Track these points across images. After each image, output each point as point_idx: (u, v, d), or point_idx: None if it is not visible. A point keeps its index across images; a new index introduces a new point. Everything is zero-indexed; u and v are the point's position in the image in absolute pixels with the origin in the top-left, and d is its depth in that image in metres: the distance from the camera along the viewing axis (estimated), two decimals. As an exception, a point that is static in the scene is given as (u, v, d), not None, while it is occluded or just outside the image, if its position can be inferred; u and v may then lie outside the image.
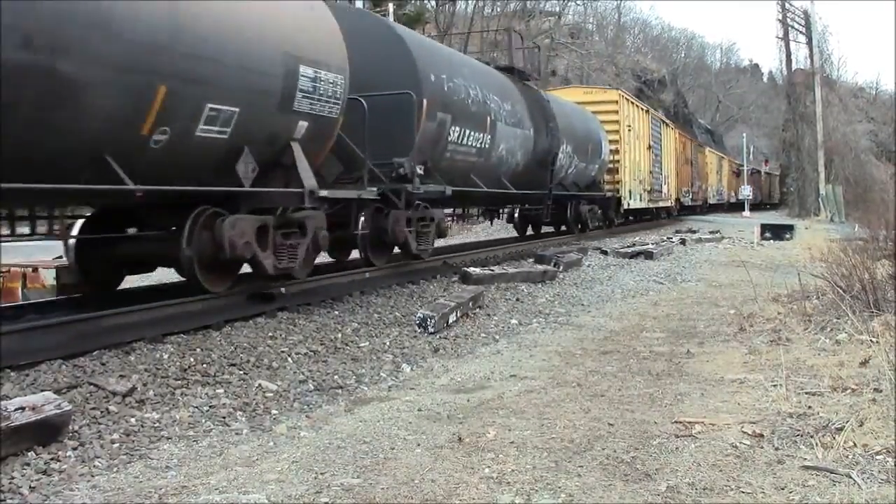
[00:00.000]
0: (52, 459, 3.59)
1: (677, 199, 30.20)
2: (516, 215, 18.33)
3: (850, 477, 3.21)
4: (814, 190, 37.94)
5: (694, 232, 21.74)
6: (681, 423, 4.10)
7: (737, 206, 45.46)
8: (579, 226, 18.20)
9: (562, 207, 17.16)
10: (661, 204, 26.79)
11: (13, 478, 3.37)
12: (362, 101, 8.09)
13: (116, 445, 3.86)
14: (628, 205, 21.25)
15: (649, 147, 24.00)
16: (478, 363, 5.85)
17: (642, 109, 24.05)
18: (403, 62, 9.31)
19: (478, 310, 8.05)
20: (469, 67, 11.75)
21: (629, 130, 21.23)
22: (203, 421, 4.32)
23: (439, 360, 6.03)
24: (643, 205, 23.53)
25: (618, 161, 20.30)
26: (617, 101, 20.98)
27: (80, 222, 6.85)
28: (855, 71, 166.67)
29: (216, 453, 3.82)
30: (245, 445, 3.94)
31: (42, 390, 4.25)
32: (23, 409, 3.65)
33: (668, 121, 30.54)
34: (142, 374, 4.85)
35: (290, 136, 6.92)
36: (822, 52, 41.26)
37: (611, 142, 19.46)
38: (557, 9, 44.50)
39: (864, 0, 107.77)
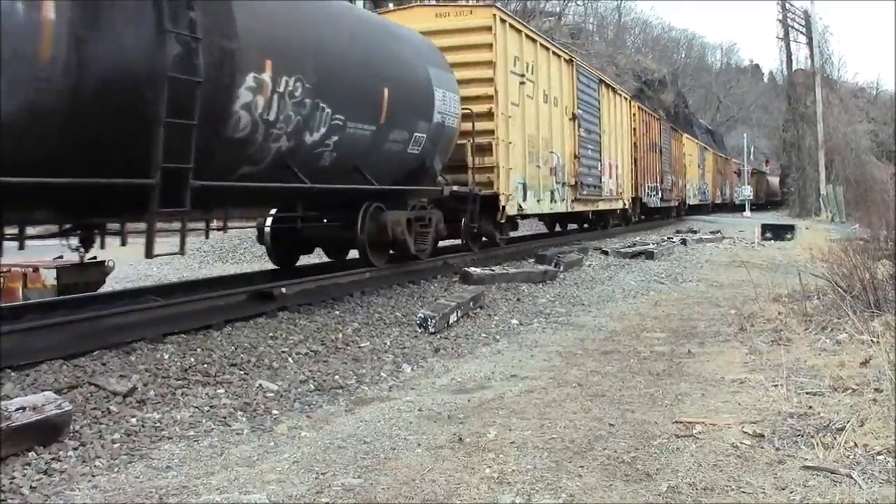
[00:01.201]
0: (52, 459, 3.59)
1: (636, 199, 22.63)
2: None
3: (851, 477, 3.21)
4: (814, 190, 37.97)
5: (695, 232, 21.77)
6: (681, 423, 4.10)
7: (720, 207, 43.62)
8: (390, 252, 9.42)
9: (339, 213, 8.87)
10: (602, 206, 18.40)
11: (14, 478, 3.37)
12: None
13: (117, 445, 3.86)
14: (518, 208, 12.48)
15: (574, 117, 15.41)
16: (478, 363, 5.85)
17: (556, 54, 14.75)
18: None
19: (478, 310, 8.05)
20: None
21: (522, 84, 12.57)
22: (204, 421, 4.32)
23: (440, 360, 6.03)
24: (557, 207, 14.77)
25: (491, 133, 11.44)
26: (490, 30, 11.55)
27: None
28: (855, 71, 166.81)
29: (217, 453, 3.81)
30: (246, 445, 3.94)
31: (42, 390, 4.25)
32: (23, 409, 3.66)
33: (615, 85, 20.72)
34: (142, 374, 4.85)
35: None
36: (823, 53, 41.29)
37: (475, 99, 11.24)
38: (558, 9, 44.53)
39: (864, 0, 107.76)
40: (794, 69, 42.65)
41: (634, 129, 22.49)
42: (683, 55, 75.20)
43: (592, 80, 17.57)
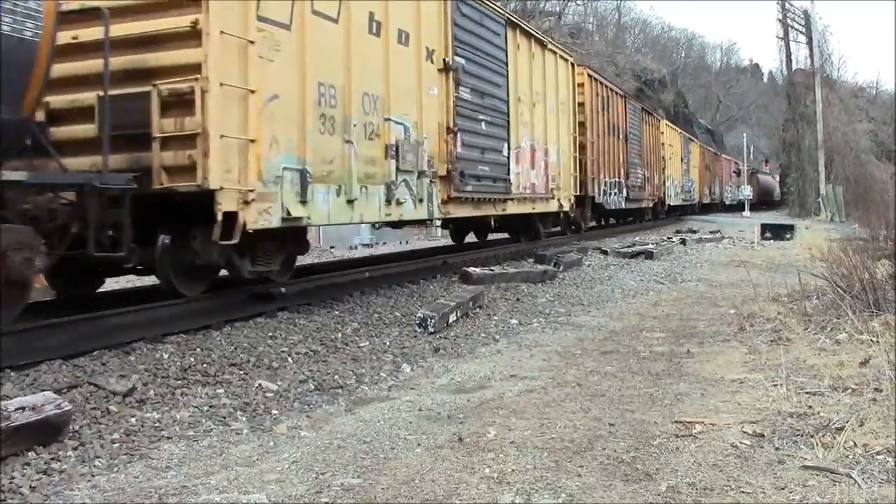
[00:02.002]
0: (52, 459, 3.59)
1: (585, 198, 16.84)
2: None
3: (851, 477, 3.21)
4: (814, 190, 37.96)
5: (694, 232, 21.78)
6: (681, 423, 4.10)
7: (708, 208, 39.25)
8: None
9: None
10: (514, 207, 12.49)
11: (13, 478, 3.37)
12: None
13: (117, 445, 3.86)
14: (286, 216, 6.67)
15: (446, 68, 9.77)
16: (478, 363, 5.85)
17: None
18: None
19: (478, 310, 8.05)
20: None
21: None
22: (203, 421, 4.32)
23: (439, 359, 6.03)
24: (403, 212, 8.85)
25: (195, 69, 5.90)
26: None
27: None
28: (855, 71, 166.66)
29: (216, 453, 3.81)
30: (245, 445, 3.94)
31: (42, 390, 4.25)
32: (23, 409, 3.65)
33: (544, 37, 14.37)
34: (142, 374, 4.85)
35: None
36: (823, 52, 41.32)
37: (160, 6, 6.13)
38: (557, 9, 44.50)
39: (864, 0, 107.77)
40: (793, 69, 42.66)
41: (581, 103, 16.36)
42: (683, 55, 75.21)
43: (492, 19, 11.29)
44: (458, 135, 9.94)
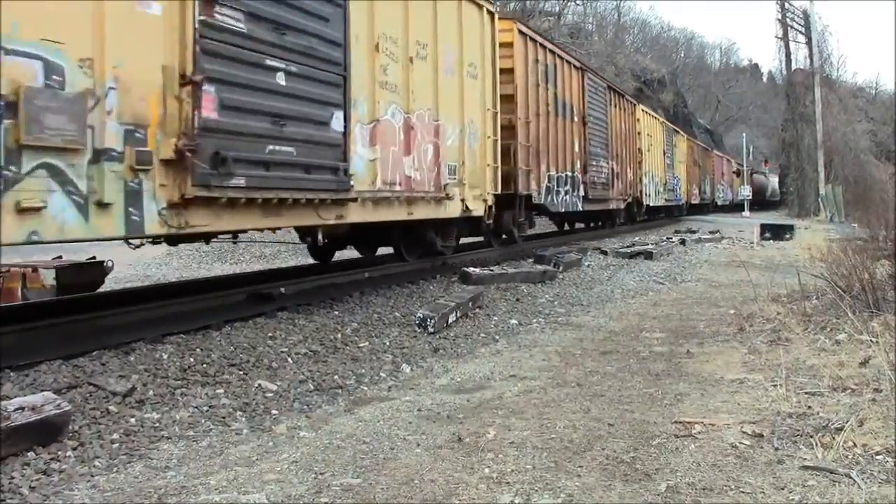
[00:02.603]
0: (51, 459, 3.59)
1: (514, 197, 12.54)
2: None
3: (850, 477, 3.21)
4: (813, 190, 37.98)
5: (693, 232, 21.80)
6: (680, 423, 4.10)
7: (697, 209, 35.97)
8: None
9: None
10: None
11: (13, 478, 3.36)
12: None
13: (116, 445, 3.86)
14: None
15: None
16: (477, 363, 5.85)
17: None
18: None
19: (478, 310, 8.05)
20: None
21: None
22: (203, 421, 4.32)
23: (439, 360, 6.03)
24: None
25: None
26: None
27: None
28: (854, 71, 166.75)
29: (216, 453, 3.81)
30: (245, 445, 3.94)
31: (42, 390, 4.25)
32: (23, 409, 3.65)
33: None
34: (142, 375, 4.85)
35: None
36: (822, 52, 41.39)
37: None
38: (557, 9, 44.50)
39: (864, 0, 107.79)
40: (793, 69, 42.72)
41: (509, 70, 12.28)
42: (682, 55, 75.21)
43: None
44: (210, 88, 5.61)
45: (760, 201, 52.00)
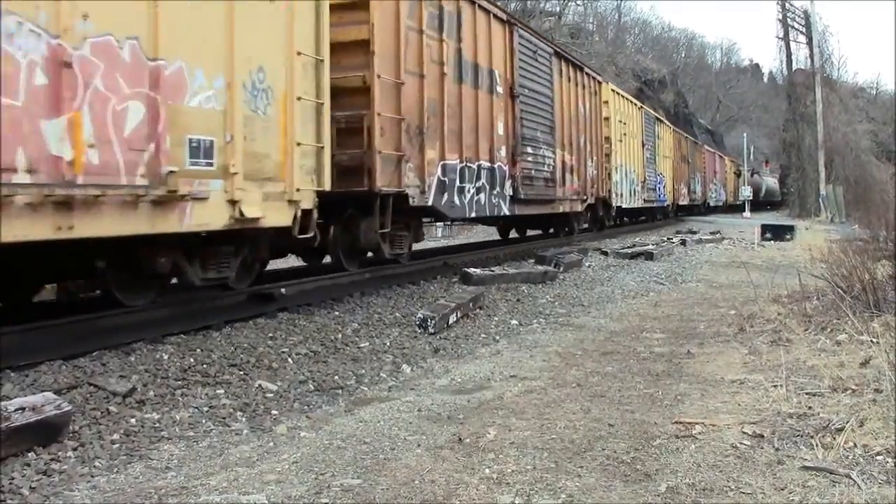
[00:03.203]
0: (52, 460, 3.59)
1: (370, 196, 8.35)
2: None
3: (850, 477, 3.21)
4: (814, 190, 37.94)
5: (694, 233, 21.79)
6: (681, 423, 4.10)
7: (686, 210, 33.39)
8: None
9: None
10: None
11: (13, 478, 3.37)
12: None
13: (116, 446, 3.87)
14: None
15: None
16: (478, 364, 5.85)
17: None
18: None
19: (478, 310, 8.05)
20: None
21: None
22: (203, 421, 4.32)
23: (439, 360, 6.03)
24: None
25: None
26: None
27: None
28: (855, 71, 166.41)
29: (216, 454, 3.82)
30: (245, 446, 3.94)
31: (42, 391, 4.25)
32: (23, 409, 3.66)
33: None
34: (142, 375, 4.85)
35: None
36: (823, 52, 41.26)
37: None
38: (557, 9, 44.51)
39: (865, 0, 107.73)
40: (793, 69, 42.65)
41: (353, 3, 8.24)
42: (683, 55, 75.20)
43: None
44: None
45: (755, 202, 51.76)
